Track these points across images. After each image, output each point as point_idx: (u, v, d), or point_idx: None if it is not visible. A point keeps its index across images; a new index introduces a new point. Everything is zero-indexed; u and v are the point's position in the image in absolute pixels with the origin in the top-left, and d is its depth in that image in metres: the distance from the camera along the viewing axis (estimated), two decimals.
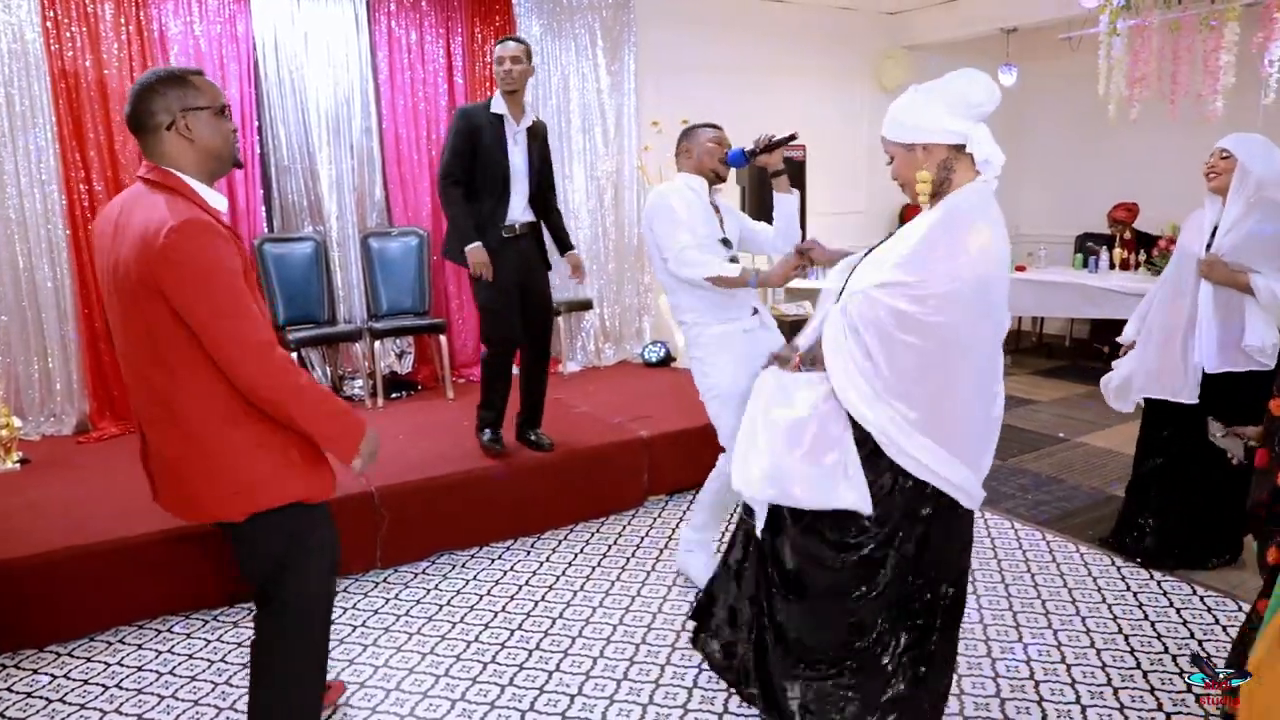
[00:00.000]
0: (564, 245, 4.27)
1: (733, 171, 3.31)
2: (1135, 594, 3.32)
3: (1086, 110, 6.87)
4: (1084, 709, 2.63)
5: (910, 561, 2.36)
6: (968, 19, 7.22)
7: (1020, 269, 7.13)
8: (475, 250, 3.83)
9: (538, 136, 4.07)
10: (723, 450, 3.29)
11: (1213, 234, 3.36)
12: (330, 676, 2.68)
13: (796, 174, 6.68)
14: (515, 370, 4.14)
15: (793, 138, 3.22)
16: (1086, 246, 7.33)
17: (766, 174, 3.31)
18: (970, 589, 3.36)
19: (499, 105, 3.92)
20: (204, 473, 2.07)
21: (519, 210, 4.02)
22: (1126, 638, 3.02)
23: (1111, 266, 6.84)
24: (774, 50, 7.04)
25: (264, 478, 2.08)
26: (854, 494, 2.32)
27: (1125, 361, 3.65)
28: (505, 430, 4.18)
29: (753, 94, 6.75)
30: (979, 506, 2.40)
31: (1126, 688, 2.73)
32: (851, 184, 7.56)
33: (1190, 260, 3.40)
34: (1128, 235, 6.88)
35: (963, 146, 2.25)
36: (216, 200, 2.10)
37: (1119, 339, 3.77)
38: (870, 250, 2.42)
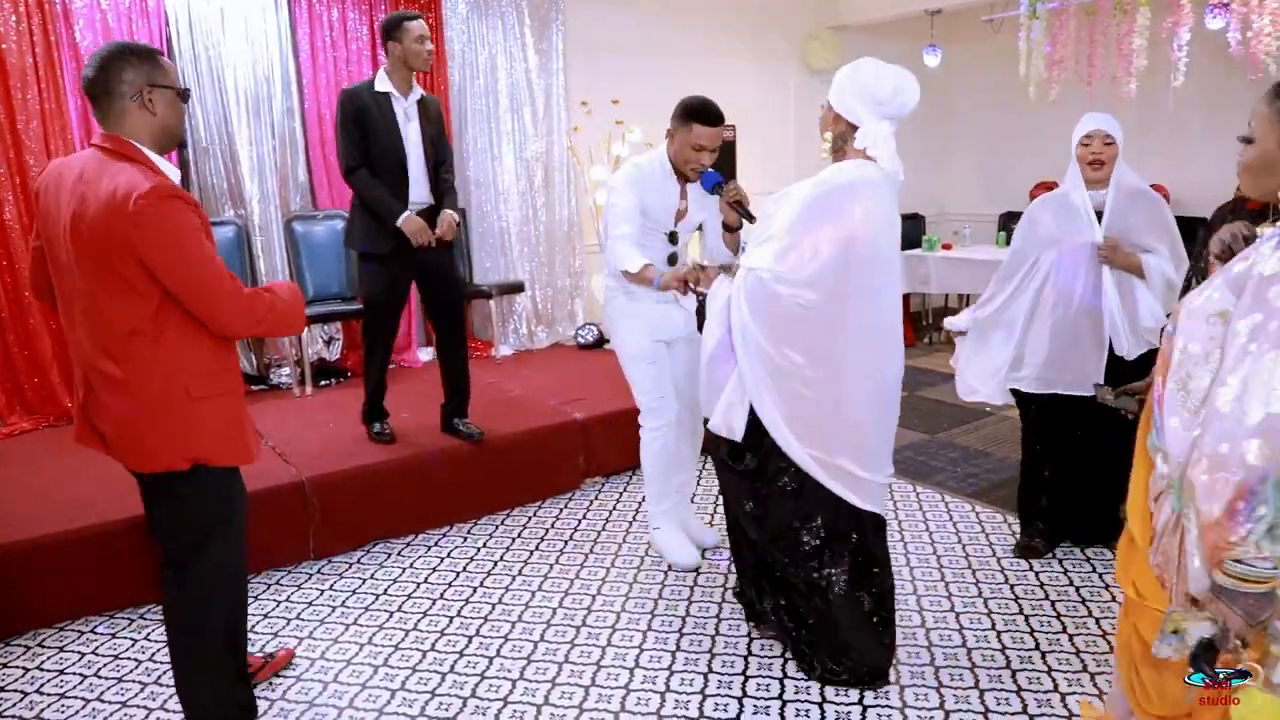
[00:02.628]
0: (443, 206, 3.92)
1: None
2: (1061, 561, 3.42)
3: (1008, 91, 7.01)
4: (1014, 673, 2.71)
5: (791, 497, 2.57)
6: (893, 0, 7.30)
7: (946, 247, 7.27)
8: (408, 220, 3.68)
9: (429, 112, 3.86)
10: (640, 424, 3.45)
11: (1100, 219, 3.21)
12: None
13: (727, 155, 6.70)
14: (428, 357, 4.06)
15: (745, 220, 3.09)
16: (1010, 225, 7.51)
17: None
18: (903, 560, 3.44)
19: (384, 83, 3.72)
20: (152, 429, 2.16)
21: (419, 191, 3.85)
22: (1053, 604, 3.12)
23: None
24: (702, 31, 7.02)
25: (208, 439, 2.21)
26: (730, 415, 2.57)
27: (998, 350, 3.36)
28: (432, 419, 4.14)
29: (682, 75, 6.67)
30: (862, 499, 2.56)
31: (1054, 651, 2.82)
32: (780, 163, 7.59)
33: (1082, 249, 3.20)
34: None
35: (856, 128, 2.46)
36: (170, 170, 2.20)
37: (949, 321, 3.53)
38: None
